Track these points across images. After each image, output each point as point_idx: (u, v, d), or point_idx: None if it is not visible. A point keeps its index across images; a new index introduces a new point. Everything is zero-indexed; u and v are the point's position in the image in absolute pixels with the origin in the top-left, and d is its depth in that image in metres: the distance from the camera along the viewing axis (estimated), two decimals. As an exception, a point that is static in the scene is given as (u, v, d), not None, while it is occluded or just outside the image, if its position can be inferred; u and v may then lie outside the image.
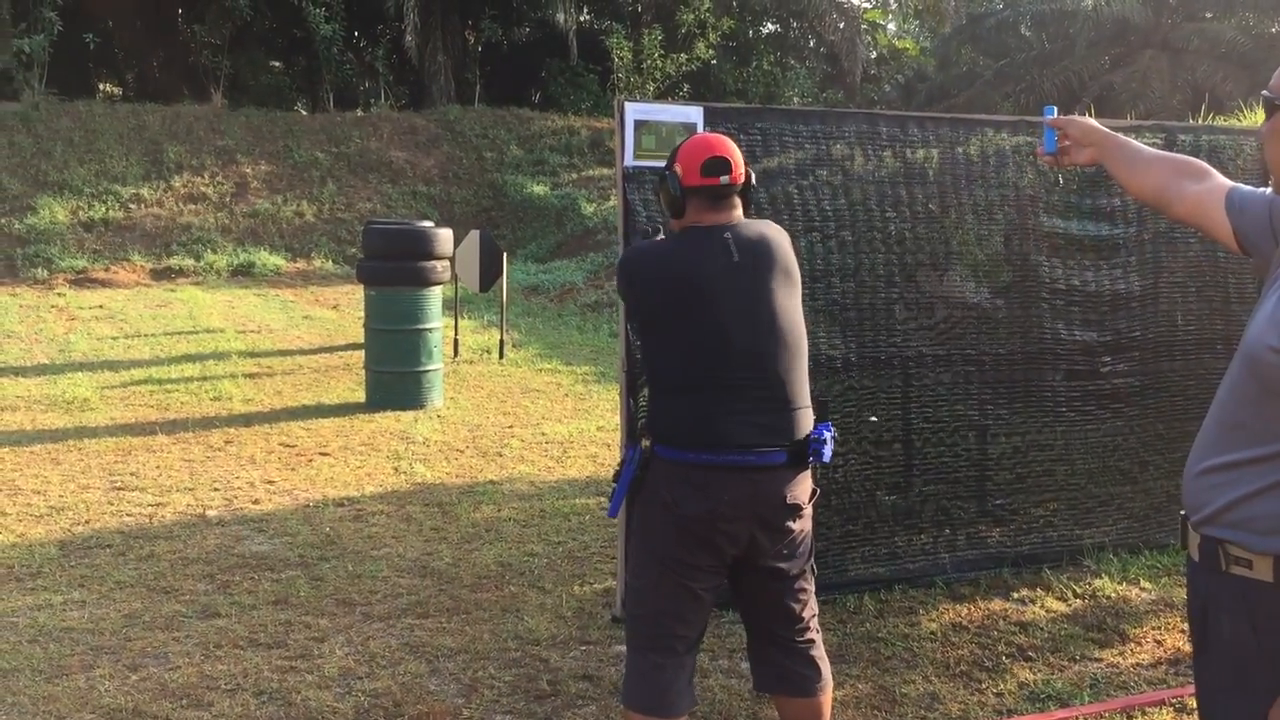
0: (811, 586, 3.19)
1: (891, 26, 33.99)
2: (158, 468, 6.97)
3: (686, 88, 23.68)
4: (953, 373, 5.05)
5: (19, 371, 10.33)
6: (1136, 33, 24.04)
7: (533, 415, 8.78)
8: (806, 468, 3.06)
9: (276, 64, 25.91)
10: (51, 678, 3.98)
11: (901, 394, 4.96)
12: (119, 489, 6.49)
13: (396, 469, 7.05)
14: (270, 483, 6.67)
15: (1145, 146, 2.39)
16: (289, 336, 12.71)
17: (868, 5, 30.55)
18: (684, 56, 22.97)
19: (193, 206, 19.02)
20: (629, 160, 4.39)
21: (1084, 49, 24.18)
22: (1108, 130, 2.44)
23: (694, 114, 4.52)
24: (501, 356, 11.30)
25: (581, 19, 25.61)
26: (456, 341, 11.44)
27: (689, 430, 2.96)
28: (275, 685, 3.94)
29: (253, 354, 11.45)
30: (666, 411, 3.03)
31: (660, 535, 3.02)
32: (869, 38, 29.06)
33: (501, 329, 11.68)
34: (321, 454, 7.42)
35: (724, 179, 3.07)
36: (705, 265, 2.98)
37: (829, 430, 3.08)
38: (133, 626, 4.46)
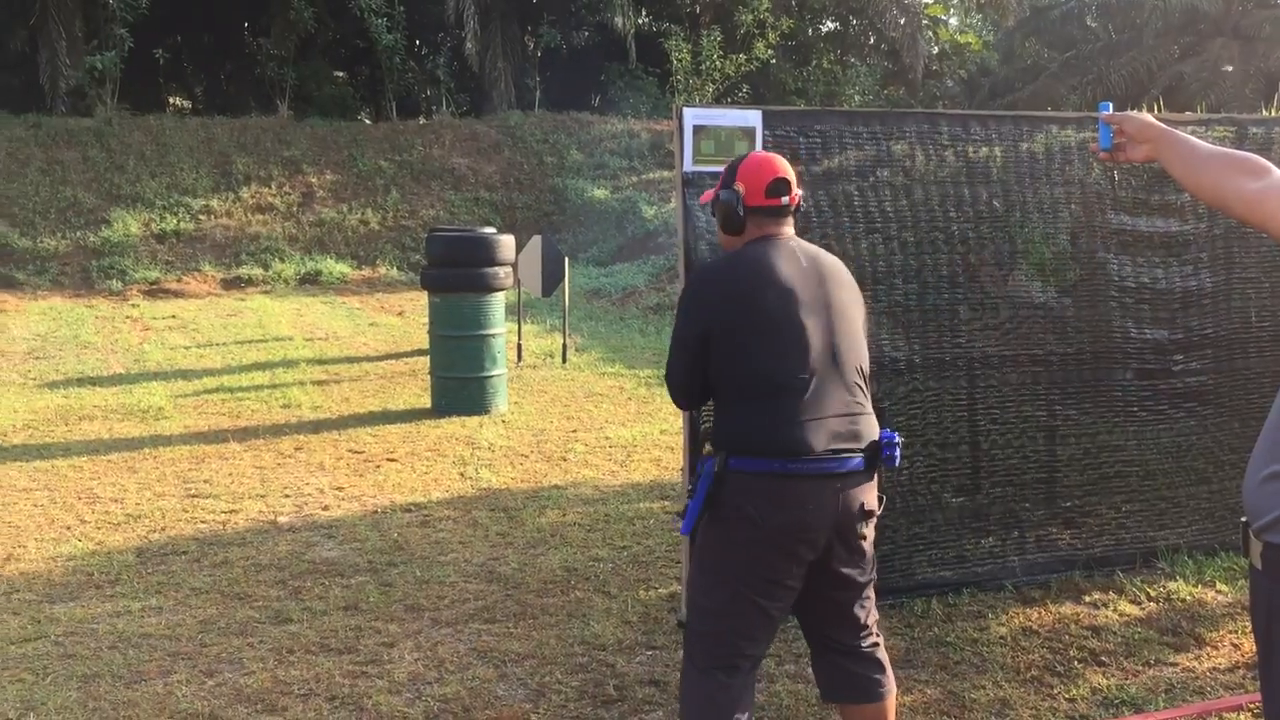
0: (873, 594, 3.18)
1: (954, 21, 33.62)
2: (230, 475, 7.10)
3: (746, 88, 23.59)
4: (1019, 373, 4.99)
5: (96, 381, 10.58)
6: (1206, 21, 23.55)
7: (596, 419, 8.82)
8: (875, 473, 3.07)
9: (340, 74, 26.27)
10: (131, 683, 4.07)
11: (967, 395, 4.90)
12: (193, 496, 6.62)
13: (462, 474, 7.11)
14: (339, 489, 6.77)
15: (1203, 142, 2.35)
16: (356, 343, 12.88)
17: (928, 0, 30.24)
18: (743, 57, 22.86)
19: (261, 216, 19.34)
20: (688, 165, 4.40)
21: (1152, 39, 23.71)
22: (1164, 126, 2.40)
23: (753, 118, 4.52)
24: (564, 361, 11.36)
25: (640, 22, 25.62)
26: (520, 346, 11.51)
27: (769, 438, 2.92)
28: (347, 690, 4.00)
29: (321, 361, 11.63)
30: (742, 421, 2.98)
31: (739, 553, 2.96)
32: (930, 33, 28.78)
33: (564, 333, 11.74)
34: (389, 460, 7.51)
35: (785, 200, 3.11)
36: (782, 270, 3.00)
37: (896, 435, 3.08)
38: (208, 632, 4.55)
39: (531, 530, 5.92)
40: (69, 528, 6.01)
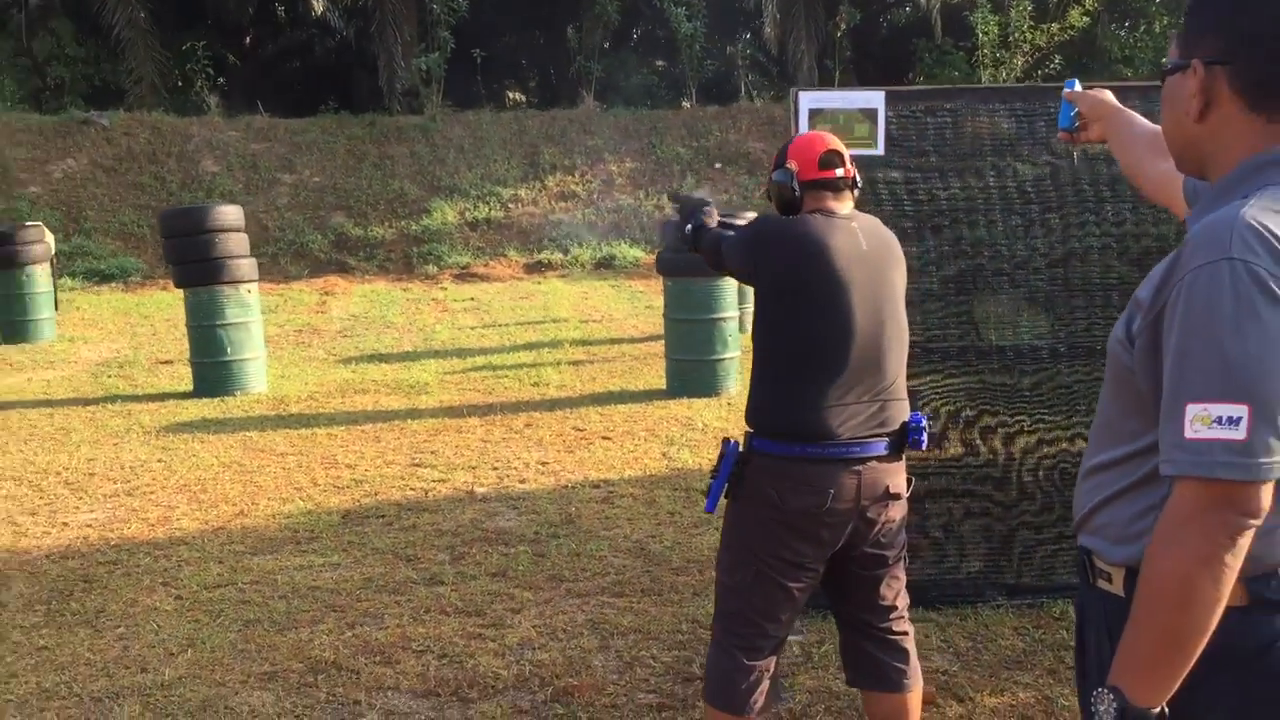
0: (903, 576, 3.15)
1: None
2: (456, 447, 7.65)
3: (1058, 59, 22.33)
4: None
5: (385, 358, 11.59)
6: None
7: (822, 404, 8.76)
8: (903, 456, 3.04)
9: (646, 64, 27.11)
10: (283, 629, 4.56)
11: (1122, 387, 4.57)
12: (416, 465, 7.19)
13: (664, 454, 7.32)
14: (544, 464, 7.14)
15: (1144, 121, 2.17)
16: (625, 325, 13.37)
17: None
18: (1055, 26, 21.68)
19: (563, 204, 20.36)
20: (803, 150, 4.37)
21: None
22: (1116, 104, 2.23)
23: (875, 99, 4.43)
24: (817, 345, 11.30)
25: (946, -4, 24.82)
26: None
27: (794, 421, 2.94)
28: (459, 649, 4.30)
29: (585, 342, 12.17)
30: (771, 399, 3.00)
31: (760, 533, 3.01)
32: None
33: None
34: (604, 438, 7.82)
35: (839, 172, 3.07)
36: (839, 248, 2.96)
37: (924, 419, 3.05)
38: (367, 589, 5.00)
39: (701, 510, 6.04)
40: (300, 489, 6.70)
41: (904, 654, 3.11)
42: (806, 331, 2.93)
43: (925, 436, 3.02)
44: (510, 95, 31.53)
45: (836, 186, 3.07)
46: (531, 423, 8.39)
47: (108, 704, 3.94)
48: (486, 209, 20.15)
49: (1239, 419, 1.43)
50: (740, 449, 3.03)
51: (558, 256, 18.98)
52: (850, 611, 3.16)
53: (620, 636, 4.40)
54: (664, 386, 9.47)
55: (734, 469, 3.02)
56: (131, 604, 4.89)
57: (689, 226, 3.49)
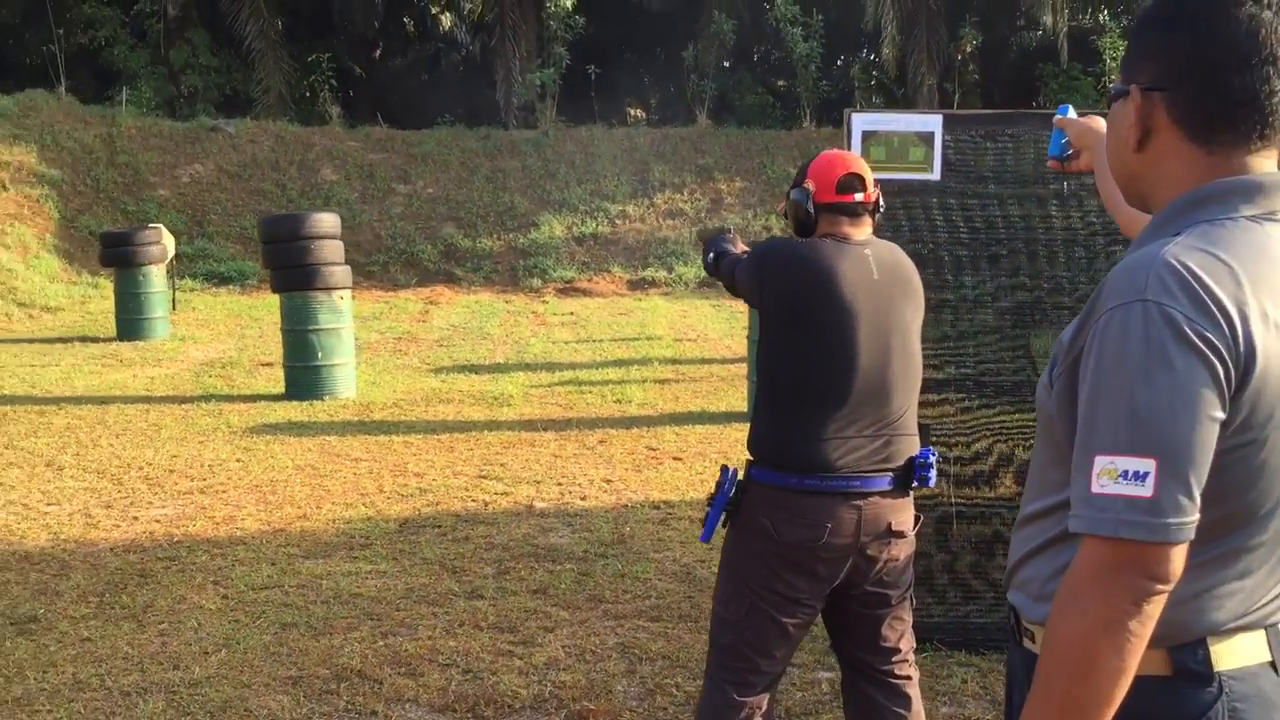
0: (909, 617, 3.02)
1: None
2: (525, 461, 7.65)
3: (1190, 86, 21.55)
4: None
5: (475, 369, 11.70)
6: None
7: (903, 434, 8.55)
8: (909, 493, 2.92)
9: (765, 84, 27.01)
10: (318, 635, 4.59)
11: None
12: (482, 477, 7.22)
13: (732, 478, 7.19)
14: (609, 481, 7.10)
15: None
16: (719, 345, 13.27)
17: None
18: (1187, 52, 20.93)
19: (670, 221, 20.35)
20: (854, 173, 4.25)
21: None
22: (1105, 133, 2.10)
23: (933, 122, 4.30)
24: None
25: (1073, 21, 24.16)
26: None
27: (793, 452, 2.85)
28: (484, 665, 4.27)
29: (675, 361, 12.12)
30: (772, 428, 2.93)
31: (755, 565, 2.91)
32: None
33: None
34: (675, 458, 7.75)
35: (858, 196, 2.97)
36: (848, 276, 2.87)
37: (933, 454, 2.92)
38: (408, 599, 5.00)
39: (757, 538, 5.92)
40: (364, 495, 6.78)
41: (905, 699, 2.97)
42: (807, 359, 2.84)
43: (934, 474, 2.91)
44: (631, 112, 31.83)
45: (854, 211, 2.96)
46: (606, 439, 8.35)
47: (134, 698, 4.00)
48: (594, 224, 20.27)
49: (1145, 474, 1.31)
50: (739, 476, 2.95)
51: (662, 274, 18.98)
52: (851, 651, 3.04)
53: (648, 662, 4.32)
54: (745, 409, 9.35)
55: (731, 497, 2.94)
56: (179, 601, 4.98)
57: (710, 254, 3.42)
